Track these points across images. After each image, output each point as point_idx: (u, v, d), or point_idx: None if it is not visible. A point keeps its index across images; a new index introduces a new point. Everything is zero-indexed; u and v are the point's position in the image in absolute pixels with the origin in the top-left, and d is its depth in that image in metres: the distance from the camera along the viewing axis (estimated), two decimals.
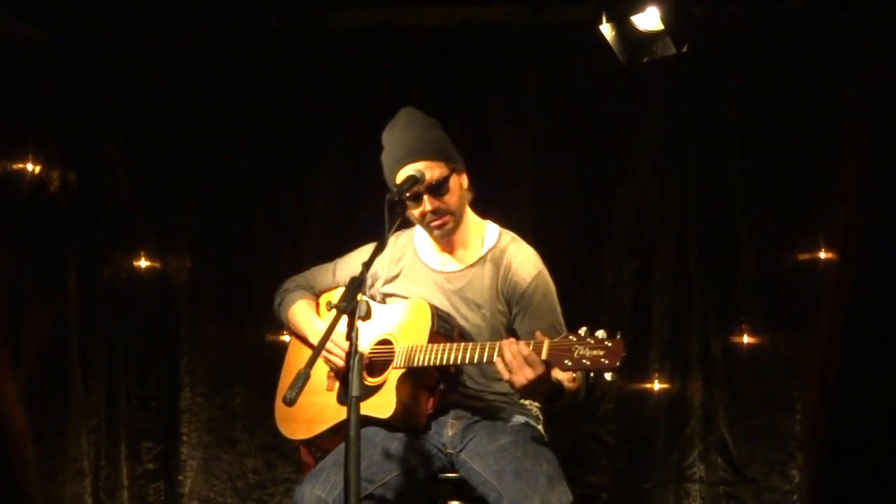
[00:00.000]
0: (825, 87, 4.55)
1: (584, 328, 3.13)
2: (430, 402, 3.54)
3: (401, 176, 3.49)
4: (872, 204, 0.81)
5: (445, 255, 3.64)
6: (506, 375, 3.19)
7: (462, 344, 3.38)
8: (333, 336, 3.31)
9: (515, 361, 3.15)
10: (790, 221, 4.65)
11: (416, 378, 3.49)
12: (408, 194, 3.44)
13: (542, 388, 3.20)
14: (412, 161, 3.49)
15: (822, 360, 0.85)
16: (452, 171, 3.52)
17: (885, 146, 0.82)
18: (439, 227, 3.52)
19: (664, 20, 4.09)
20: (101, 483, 5.02)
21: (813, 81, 4.58)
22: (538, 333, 3.19)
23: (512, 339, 3.22)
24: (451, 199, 3.51)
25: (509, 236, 3.67)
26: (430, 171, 3.47)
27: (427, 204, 3.47)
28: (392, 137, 3.57)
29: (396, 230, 3.48)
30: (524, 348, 3.16)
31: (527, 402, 3.59)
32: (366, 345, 3.52)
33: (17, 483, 0.96)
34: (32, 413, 4.93)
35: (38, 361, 4.81)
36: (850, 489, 0.81)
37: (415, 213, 3.52)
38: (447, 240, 3.60)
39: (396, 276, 3.68)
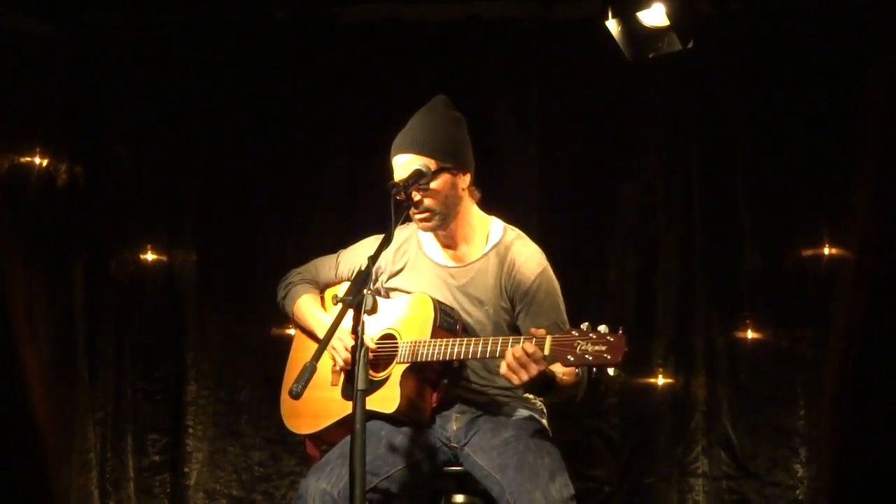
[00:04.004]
0: (830, 84, 4.56)
1: (586, 323, 3.14)
2: (434, 397, 3.56)
3: (394, 166, 3.53)
4: (890, 202, 0.83)
5: (449, 251, 3.65)
6: (510, 376, 3.21)
7: (465, 339, 3.40)
8: (339, 332, 3.32)
9: (516, 363, 3.17)
10: (794, 218, 4.66)
11: (420, 373, 3.51)
12: (416, 188, 3.46)
13: (537, 381, 3.22)
14: (402, 151, 3.54)
15: (840, 353, 0.87)
16: (442, 169, 3.52)
17: None
18: (421, 220, 3.54)
19: (670, 16, 4.10)
20: (108, 475, 5.05)
21: (818, 78, 4.58)
22: (541, 330, 3.20)
23: (515, 346, 3.21)
24: (434, 196, 3.50)
25: (514, 233, 3.67)
26: (414, 164, 3.49)
27: (409, 195, 3.48)
28: (408, 123, 3.60)
29: (402, 223, 3.49)
30: (528, 348, 3.16)
31: (530, 396, 3.61)
32: (369, 339, 3.54)
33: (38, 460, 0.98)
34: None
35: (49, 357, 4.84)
36: (867, 478, 0.83)
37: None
38: (449, 235, 3.62)
39: (401, 271, 3.69)
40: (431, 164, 3.50)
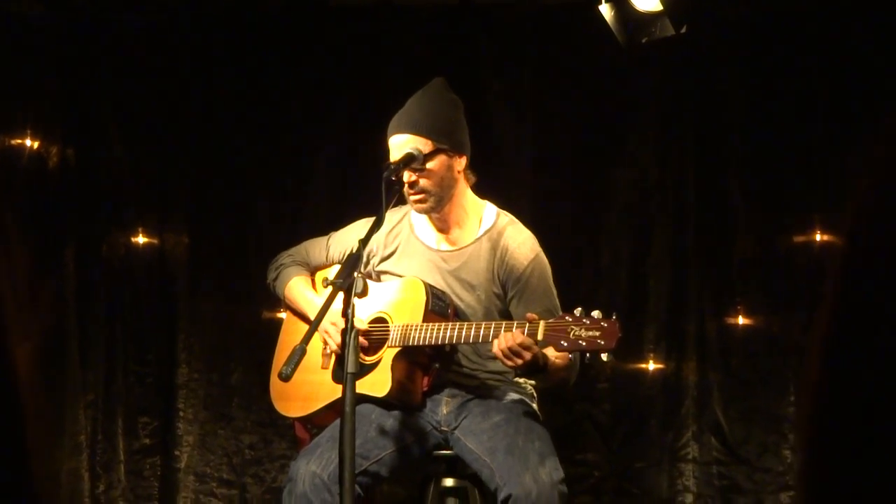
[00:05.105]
0: (824, 69, 4.56)
1: (580, 308, 3.14)
2: (425, 380, 3.56)
3: (390, 146, 3.52)
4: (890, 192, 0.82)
5: (441, 234, 3.65)
6: (504, 360, 3.21)
7: (457, 323, 3.40)
8: (329, 315, 3.32)
9: (509, 351, 3.17)
10: (787, 204, 4.67)
11: (411, 357, 3.51)
12: (412, 168, 3.46)
13: (530, 365, 3.22)
14: (399, 131, 3.52)
15: (822, 340, 0.86)
16: (438, 150, 3.51)
17: None
18: (415, 202, 3.53)
19: (663, 1, 4.09)
20: (98, 458, 5.04)
21: (813, 63, 4.58)
22: (533, 315, 3.20)
23: (508, 333, 3.21)
24: (430, 177, 3.49)
25: (507, 218, 3.66)
26: (411, 144, 3.48)
27: (405, 176, 3.47)
28: (405, 104, 3.59)
29: (393, 206, 3.49)
30: (518, 336, 3.17)
31: (521, 380, 3.61)
32: (360, 323, 3.53)
33: (23, 450, 0.98)
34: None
35: (43, 339, 4.81)
36: (840, 470, 0.82)
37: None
38: (442, 218, 3.61)
39: (392, 254, 3.68)
40: (428, 145, 3.49)
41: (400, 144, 3.50)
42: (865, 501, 0.79)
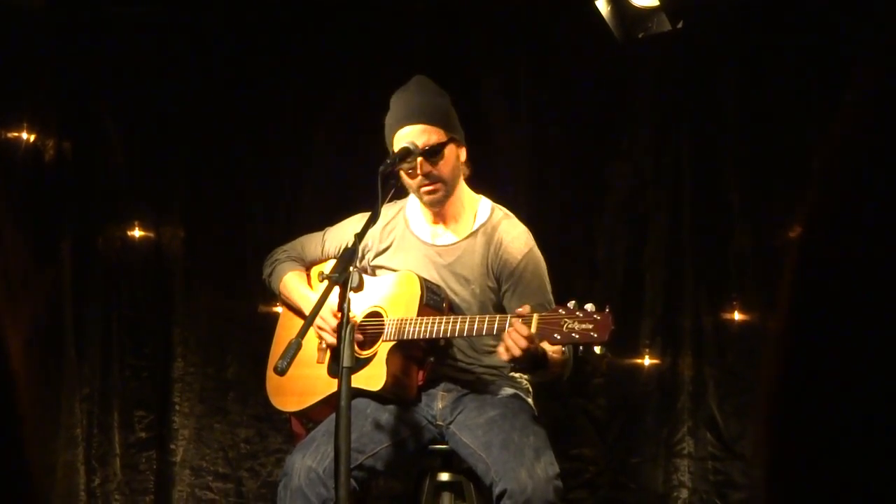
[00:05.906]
0: (821, 64, 4.55)
1: (573, 301, 3.14)
2: (420, 375, 3.56)
3: (398, 138, 3.49)
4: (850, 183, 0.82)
5: (437, 228, 3.64)
6: (504, 356, 3.20)
7: (452, 317, 3.40)
8: (324, 309, 3.32)
9: (512, 343, 3.16)
10: (784, 198, 4.65)
11: (406, 351, 3.51)
12: (403, 164, 3.44)
13: (529, 360, 3.22)
14: (411, 122, 3.48)
15: (780, 336, 0.86)
16: (450, 140, 3.50)
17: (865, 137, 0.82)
18: (429, 193, 3.51)
19: None
20: (94, 451, 5.05)
21: (808, 58, 4.58)
22: (527, 307, 3.20)
23: (512, 329, 3.20)
24: (445, 167, 3.49)
25: (502, 212, 3.66)
26: (427, 134, 3.46)
27: (420, 167, 3.46)
28: (398, 99, 3.57)
29: (389, 201, 3.48)
30: (521, 329, 3.16)
31: (517, 375, 3.61)
32: (355, 317, 3.53)
33: (17, 443, 0.97)
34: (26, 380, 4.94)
35: (35, 331, 4.81)
36: (801, 467, 0.82)
37: (409, 180, 3.52)
38: (439, 213, 3.60)
39: (387, 249, 3.68)
40: (442, 135, 3.48)
41: (412, 135, 3.47)
42: (828, 497, 0.79)
